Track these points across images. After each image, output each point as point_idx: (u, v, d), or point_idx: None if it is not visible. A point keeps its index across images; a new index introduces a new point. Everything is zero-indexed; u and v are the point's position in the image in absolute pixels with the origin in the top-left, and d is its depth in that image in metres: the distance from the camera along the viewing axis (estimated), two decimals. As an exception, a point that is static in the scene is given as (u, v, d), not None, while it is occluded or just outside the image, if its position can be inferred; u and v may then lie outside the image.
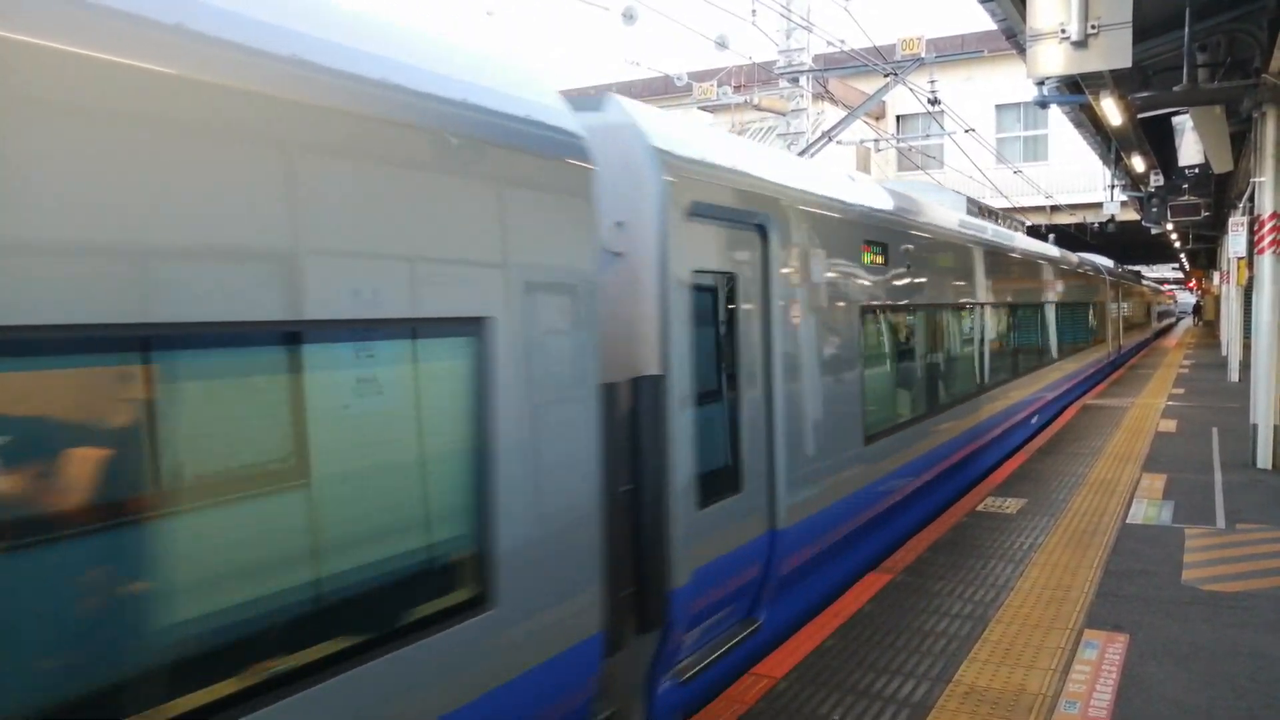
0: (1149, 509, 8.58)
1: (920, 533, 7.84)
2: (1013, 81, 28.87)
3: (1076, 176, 30.35)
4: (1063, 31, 5.71)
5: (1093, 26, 5.61)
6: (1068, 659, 5.11)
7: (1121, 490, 9.42)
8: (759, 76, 21.34)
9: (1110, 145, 16.82)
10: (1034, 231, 21.60)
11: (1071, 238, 31.66)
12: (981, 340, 10.74)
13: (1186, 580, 6.48)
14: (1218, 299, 37.84)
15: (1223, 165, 14.78)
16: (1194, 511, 8.45)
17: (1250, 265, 12.38)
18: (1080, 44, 5.63)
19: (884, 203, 7.74)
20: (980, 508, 8.69)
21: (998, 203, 27.62)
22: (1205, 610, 5.86)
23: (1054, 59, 5.90)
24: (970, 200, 12.72)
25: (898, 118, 36.12)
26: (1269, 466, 10.37)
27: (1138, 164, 17.41)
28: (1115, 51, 5.65)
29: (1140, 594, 6.19)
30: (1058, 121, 26.89)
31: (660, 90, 28.40)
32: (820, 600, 6.23)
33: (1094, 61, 5.79)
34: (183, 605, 2.41)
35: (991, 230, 12.00)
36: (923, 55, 16.89)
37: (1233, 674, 4.91)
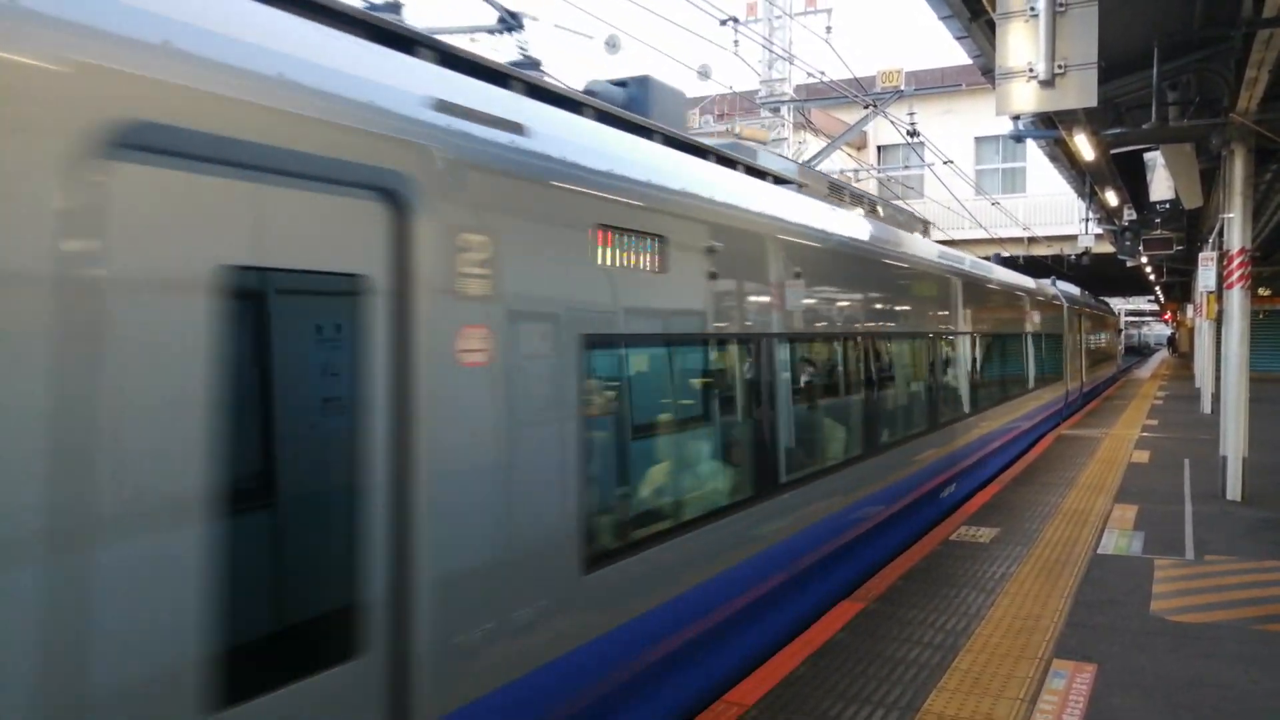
0: (1120, 539, 8.66)
1: (893, 562, 7.87)
2: (991, 115, 29.27)
3: (1053, 209, 30.79)
4: (1031, 70, 5.86)
5: (1060, 66, 5.76)
6: (1036, 688, 5.15)
7: (1093, 520, 9.50)
8: (741, 106, 21.59)
9: (1084, 179, 17.12)
10: (1010, 262, 23.62)
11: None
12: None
13: (1155, 611, 6.54)
14: (1192, 331, 38.35)
15: (1193, 201, 15.06)
16: (1164, 542, 8.54)
17: (1220, 299, 12.58)
18: (1048, 83, 5.78)
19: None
20: (954, 537, 8.74)
21: (976, 234, 28.02)
22: (1172, 641, 5.92)
23: (1023, 97, 6.04)
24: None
25: (879, 148, 36.56)
26: (1238, 498, 10.49)
27: (1111, 198, 17.73)
28: (1082, 91, 5.79)
29: (1109, 624, 6.24)
30: (1035, 154, 27.33)
31: (644, 118, 28.52)
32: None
33: (1061, 101, 5.94)
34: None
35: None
36: (902, 87, 17.17)
37: (1198, 705, 4.95)
